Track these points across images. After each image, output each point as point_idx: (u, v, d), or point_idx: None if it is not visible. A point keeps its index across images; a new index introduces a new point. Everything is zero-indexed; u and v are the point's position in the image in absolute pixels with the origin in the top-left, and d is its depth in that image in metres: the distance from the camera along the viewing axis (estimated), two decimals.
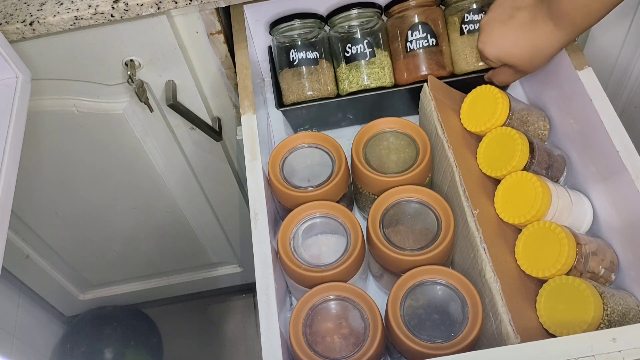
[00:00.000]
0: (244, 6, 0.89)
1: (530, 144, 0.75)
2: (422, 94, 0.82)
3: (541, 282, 0.68)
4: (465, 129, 0.81)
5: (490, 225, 0.71)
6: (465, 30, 0.85)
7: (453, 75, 0.88)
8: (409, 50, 0.86)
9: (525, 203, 0.71)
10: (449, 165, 0.74)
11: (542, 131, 0.84)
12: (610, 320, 0.63)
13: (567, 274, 0.67)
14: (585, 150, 0.77)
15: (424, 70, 0.85)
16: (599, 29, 0.96)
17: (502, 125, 0.78)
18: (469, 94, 0.81)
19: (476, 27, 0.85)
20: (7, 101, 0.78)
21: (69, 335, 1.50)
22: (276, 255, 0.71)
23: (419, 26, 0.86)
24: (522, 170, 0.74)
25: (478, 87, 0.81)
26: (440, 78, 0.85)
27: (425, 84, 0.82)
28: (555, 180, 0.79)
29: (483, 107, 0.79)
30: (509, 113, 0.78)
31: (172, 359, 1.58)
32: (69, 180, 1.13)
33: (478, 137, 0.80)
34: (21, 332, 1.35)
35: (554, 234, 0.67)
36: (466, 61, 0.86)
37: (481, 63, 0.85)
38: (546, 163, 0.77)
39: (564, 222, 0.73)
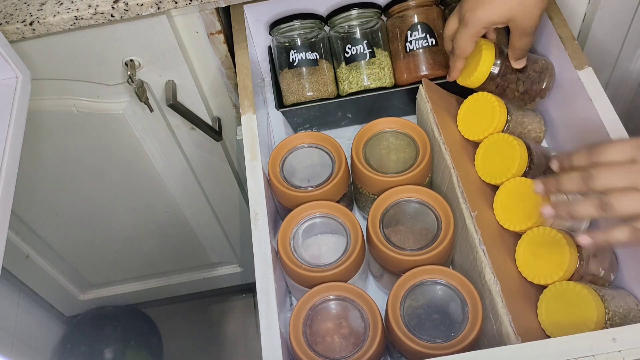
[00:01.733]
0: (244, 6, 0.89)
1: (528, 148, 0.74)
2: (417, 96, 0.82)
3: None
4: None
5: (489, 227, 0.71)
6: None
7: None
8: (408, 50, 0.86)
9: (526, 210, 0.70)
10: (447, 167, 0.74)
11: (537, 133, 0.83)
12: (613, 324, 0.63)
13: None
14: None
15: (424, 71, 0.85)
16: (599, 28, 0.96)
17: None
18: (464, 102, 0.80)
19: None
20: (7, 101, 0.78)
21: (69, 335, 1.49)
22: (276, 255, 0.71)
23: (419, 26, 0.86)
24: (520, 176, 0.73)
25: (474, 95, 0.79)
26: (440, 78, 0.85)
27: (420, 86, 0.81)
28: None
29: (480, 114, 0.78)
30: (507, 119, 0.77)
31: (172, 359, 1.58)
32: (69, 180, 1.13)
33: None
34: (21, 332, 1.35)
35: (555, 241, 0.67)
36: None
37: None
38: (544, 167, 0.76)
39: (564, 225, 0.73)
